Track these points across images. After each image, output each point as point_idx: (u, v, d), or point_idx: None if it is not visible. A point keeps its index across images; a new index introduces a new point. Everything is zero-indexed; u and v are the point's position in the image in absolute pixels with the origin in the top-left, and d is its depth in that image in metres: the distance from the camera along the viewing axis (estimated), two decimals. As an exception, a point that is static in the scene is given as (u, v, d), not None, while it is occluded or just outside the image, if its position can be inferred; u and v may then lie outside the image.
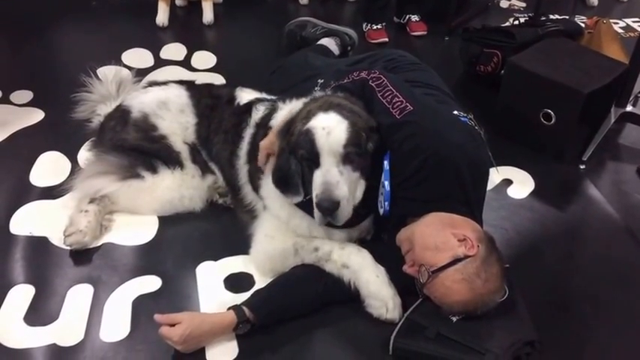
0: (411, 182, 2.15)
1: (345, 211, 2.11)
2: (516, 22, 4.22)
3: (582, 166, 3.24)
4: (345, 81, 2.39)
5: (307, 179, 2.17)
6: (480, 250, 2.03)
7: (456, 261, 2.01)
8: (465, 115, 2.35)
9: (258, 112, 2.62)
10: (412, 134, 2.15)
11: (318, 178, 2.10)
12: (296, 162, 2.19)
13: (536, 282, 2.48)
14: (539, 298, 2.38)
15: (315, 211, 2.12)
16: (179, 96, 2.84)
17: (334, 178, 2.08)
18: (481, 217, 2.30)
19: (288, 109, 2.48)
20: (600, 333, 2.31)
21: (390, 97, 2.24)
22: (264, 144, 2.34)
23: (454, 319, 2.06)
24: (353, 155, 2.11)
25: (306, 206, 2.24)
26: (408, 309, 2.19)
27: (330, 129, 2.09)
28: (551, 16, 4.29)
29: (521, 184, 3.07)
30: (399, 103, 2.21)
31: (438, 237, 2.07)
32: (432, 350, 2.02)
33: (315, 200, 2.09)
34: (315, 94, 2.37)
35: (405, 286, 2.23)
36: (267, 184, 2.36)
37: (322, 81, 2.81)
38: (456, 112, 2.34)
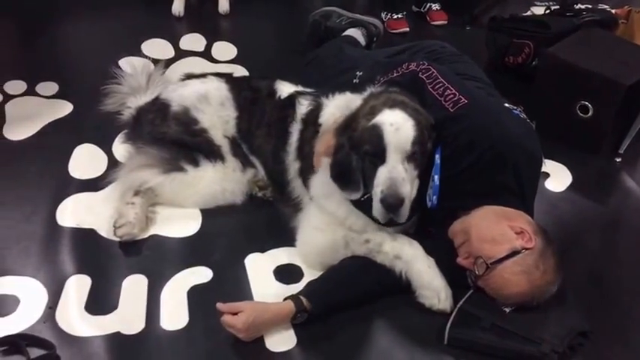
0: (465, 176, 2.20)
1: (407, 209, 2.15)
2: (546, 12, 4.16)
3: (618, 159, 3.27)
4: (395, 75, 2.41)
5: (368, 176, 2.19)
6: (538, 242, 2.08)
7: (514, 253, 2.06)
8: (515, 107, 2.39)
9: (301, 107, 2.64)
10: (467, 128, 2.20)
11: (383, 174, 2.12)
12: (357, 158, 2.20)
13: (578, 275, 2.52)
14: (582, 290, 2.43)
15: (377, 208, 2.15)
16: (219, 89, 2.86)
17: (400, 175, 2.11)
18: (533, 210, 2.34)
19: (333, 104, 2.52)
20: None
21: (441, 89, 2.28)
22: (321, 148, 2.36)
23: (507, 309, 2.12)
24: (417, 154, 2.15)
25: (362, 204, 2.27)
26: (459, 300, 2.24)
27: (399, 126, 2.12)
28: (579, 6, 4.25)
29: (558, 178, 3.11)
30: (452, 95, 2.25)
31: (495, 229, 2.12)
32: (488, 340, 2.08)
33: (379, 196, 2.12)
34: (371, 90, 2.38)
35: (453, 278, 2.29)
36: (322, 181, 2.39)
37: (361, 73, 2.85)
38: (507, 105, 2.38)
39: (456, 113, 2.21)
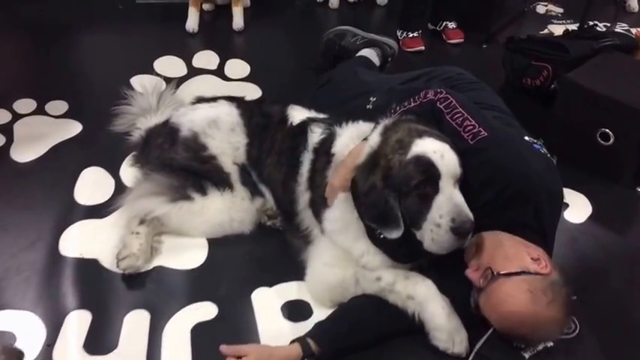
0: (484, 211, 2.10)
1: None
2: (560, 32, 4.10)
3: (640, 189, 3.15)
4: (412, 104, 2.32)
5: (416, 211, 2.06)
6: (553, 273, 1.99)
7: (525, 272, 1.97)
8: (536, 141, 2.30)
9: (313, 135, 2.55)
10: (487, 162, 2.11)
11: (445, 202, 2.01)
12: (395, 195, 2.08)
13: (599, 311, 2.43)
14: (603, 328, 2.33)
15: (447, 239, 2.01)
16: (229, 114, 2.79)
17: (461, 199, 2.02)
18: (552, 249, 2.24)
19: (346, 134, 2.43)
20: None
21: (460, 119, 2.19)
22: (337, 183, 2.26)
23: (527, 355, 2.01)
24: (462, 176, 2.07)
25: (381, 241, 2.17)
26: (474, 342, 2.14)
27: (442, 152, 2.03)
28: (597, 25, 4.15)
29: (578, 208, 3.00)
30: (471, 127, 2.16)
31: (511, 248, 2.04)
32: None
33: (449, 225, 1.99)
34: (384, 122, 2.28)
35: (467, 317, 2.19)
36: (336, 215, 2.30)
37: (375, 99, 2.78)
38: (527, 138, 2.30)
39: (476, 146, 2.12)
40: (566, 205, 2.96)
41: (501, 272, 1.98)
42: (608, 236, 2.87)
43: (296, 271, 2.48)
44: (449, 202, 2.01)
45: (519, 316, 1.97)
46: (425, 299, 2.17)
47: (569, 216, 2.95)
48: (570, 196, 3.03)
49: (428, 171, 2.02)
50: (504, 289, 1.98)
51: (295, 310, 2.37)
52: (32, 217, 2.77)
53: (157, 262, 2.57)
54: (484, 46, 4.57)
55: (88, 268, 2.51)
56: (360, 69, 3.27)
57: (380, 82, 2.99)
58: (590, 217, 2.97)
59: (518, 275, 1.97)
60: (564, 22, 4.82)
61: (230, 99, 2.92)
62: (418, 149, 2.06)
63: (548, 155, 2.30)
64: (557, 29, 4.78)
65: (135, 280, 2.47)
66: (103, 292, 2.41)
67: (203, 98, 3.01)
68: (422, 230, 2.07)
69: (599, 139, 3.14)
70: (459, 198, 2.03)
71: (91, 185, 2.98)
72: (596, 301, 2.47)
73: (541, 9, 5.29)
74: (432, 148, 2.05)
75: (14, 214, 2.78)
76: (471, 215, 2.00)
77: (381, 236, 2.15)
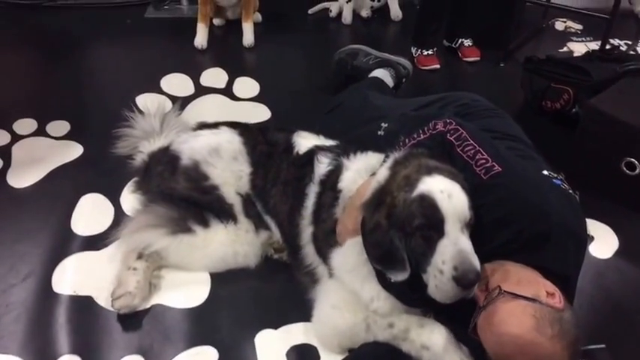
0: (499, 253, 1.94)
1: None
2: (580, 50, 3.93)
3: (668, 221, 2.95)
4: (422, 137, 2.15)
5: (420, 253, 1.90)
6: (566, 312, 1.81)
7: (535, 300, 1.79)
8: (556, 175, 2.12)
9: (320, 166, 2.40)
10: (502, 200, 1.94)
11: (449, 248, 1.83)
12: (400, 235, 1.92)
13: (632, 354, 2.26)
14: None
15: (449, 287, 1.84)
16: (232, 142, 2.64)
17: (468, 246, 1.84)
18: (574, 292, 2.06)
19: (354, 168, 2.29)
20: None
21: (471, 152, 2.02)
22: (349, 225, 2.10)
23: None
24: (472, 220, 1.89)
25: (391, 284, 2.00)
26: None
27: (450, 192, 1.86)
28: (620, 45, 3.98)
29: (604, 241, 2.81)
30: (484, 161, 1.99)
31: (525, 275, 1.88)
32: None
33: (451, 274, 1.81)
34: (394, 156, 2.11)
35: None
36: (346, 255, 2.15)
37: (386, 125, 2.63)
38: (546, 173, 2.13)
39: (489, 182, 1.95)
40: (592, 238, 2.76)
41: (510, 291, 1.81)
42: (637, 273, 2.67)
43: (303, 311, 2.32)
44: (453, 247, 1.83)
45: (518, 341, 1.75)
46: (441, 350, 2.00)
47: (594, 250, 2.76)
48: (595, 227, 2.84)
49: (429, 213, 1.85)
50: (508, 308, 1.79)
51: (301, 356, 2.21)
52: (26, 248, 2.64)
53: (156, 299, 2.42)
54: (501, 65, 4.38)
55: (82, 306, 2.37)
56: (371, 92, 3.11)
57: (392, 108, 2.83)
58: (617, 253, 2.77)
59: (527, 300, 1.79)
60: (584, 39, 4.64)
61: (232, 125, 2.77)
62: (424, 188, 1.89)
63: (570, 191, 2.11)
64: (577, 47, 4.61)
65: (131, 320, 2.31)
66: (95, 333, 2.26)
67: (205, 124, 2.86)
68: (427, 274, 1.90)
69: (625, 169, 2.95)
70: (464, 244, 1.84)
71: (89, 213, 2.85)
72: (624, 344, 2.30)
73: (560, 25, 5.08)
74: (440, 187, 1.88)
75: (7, 245, 2.66)
76: (477, 265, 1.82)
77: (391, 279, 1.98)
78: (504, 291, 1.81)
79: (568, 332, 1.78)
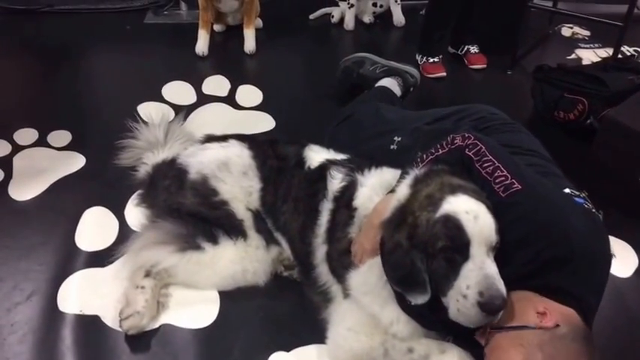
0: (517, 274, 1.86)
1: None
2: (589, 57, 3.87)
3: (689, 238, 2.87)
4: (440, 152, 2.09)
5: (442, 275, 1.83)
6: (560, 328, 1.74)
7: (524, 327, 1.75)
8: (578, 193, 2.05)
9: (333, 182, 2.34)
10: (521, 219, 1.86)
11: (474, 272, 1.77)
12: (421, 257, 1.86)
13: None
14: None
15: (474, 313, 1.77)
16: (241, 156, 2.57)
17: (494, 270, 1.78)
18: (594, 313, 1.98)
19: (369, 185, 2.23)
20: None
21: (490, 168, 1.95)
22: (368, 246, 2.04)
23: None
24: (498, 243, 1.83)
25: (412, 307, 1.93)
26: None
27: (476, 213, 1.79)
28: (635, 54, 3.91)
29: (623, 259, 2.73)
30: (503, 178, 1.92)
31: (515, 304, 1.82)
32: None
33: (476, 299, 1.75)
34: (414, 172, 2.04)
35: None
36: (364, 276, 2.08)
37: (399, 139, 2.58)
38: (567, 191, 2.05)
39: (508, 201, 1.87)
40: (614, 257, 2.71)
41: (496, 327, 1.79)
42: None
43: (316, 332, 2.25)
44: (479, 272, 1.77)
45: None
46: (461, 377, 1.94)
47: (613, 269, 2.67)
48: (613, 244, 2.71)
49: (454, 235, 1.79)
50: (499, 345, 1.76)
51: (316, 381, 2.14)
52: (29, 265, 2.57)
53: (164, 319, 2.35)
54: (509, 72, 4.31)
55: (88, 326, 2.30)
56: (382, 105, 3.04)
57: (404, 121, 2.76)
58: (637, 270, 2.70)
59: (515, 329, 1.76)
60: (592, 46, 4.59)
61: (241, 138, 2.70)
62: (449, 208, 1.82)
63: (593, 210, 2.04)
64: (586, 54, 4.54)
65: (139, 341, 2.25)
66: (103, 356, 2.20)
67: (213, 137, 2.79)
68: (447, 297, 1.84)
69: (644, 183, 2.88)
70: (491, 269, 1.78)
71: (94, 228, 2.79)
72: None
73: (566, 31, 5.01)
74: (465, 207, 1.81)
75: (10, 261, 2.59)
76: (503, 290, 1.76)
77: (411, 302, 1.92)
78: (490, 330, 1.79)
79: (564, 349, 1.71)
